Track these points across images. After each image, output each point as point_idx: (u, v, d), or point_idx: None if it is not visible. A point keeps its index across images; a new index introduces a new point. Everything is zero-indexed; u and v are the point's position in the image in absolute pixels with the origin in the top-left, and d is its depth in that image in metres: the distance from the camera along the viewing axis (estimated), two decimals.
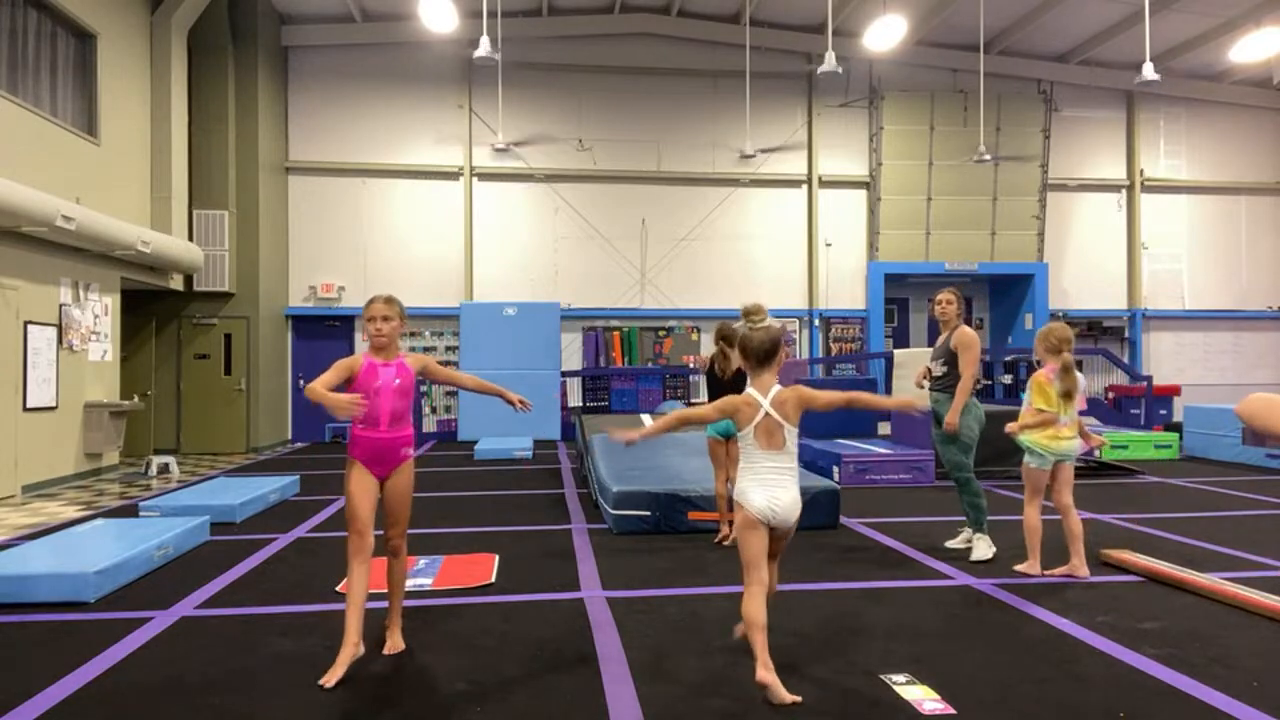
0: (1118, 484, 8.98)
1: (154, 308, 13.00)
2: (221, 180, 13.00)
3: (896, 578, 5.04)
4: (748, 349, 3.37)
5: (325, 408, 3.35)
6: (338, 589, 4.75)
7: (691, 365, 5.97)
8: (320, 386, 3.41)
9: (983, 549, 5.50)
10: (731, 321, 4.59)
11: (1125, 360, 16.17)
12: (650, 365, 15.55)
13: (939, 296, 5.80)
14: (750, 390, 3.37)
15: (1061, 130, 16.42)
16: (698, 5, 15.00)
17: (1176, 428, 12.65)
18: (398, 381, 3.65)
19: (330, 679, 3.36)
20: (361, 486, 3.62)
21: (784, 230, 15.96)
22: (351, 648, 3.46)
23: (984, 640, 3.90)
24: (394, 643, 3.78)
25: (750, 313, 3.48)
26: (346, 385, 3.62)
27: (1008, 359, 15.33)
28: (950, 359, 5.64)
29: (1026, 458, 5.09)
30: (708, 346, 15.70)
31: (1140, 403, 13.64)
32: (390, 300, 3.69)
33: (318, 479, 9.51)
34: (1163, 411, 13.84)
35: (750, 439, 3.32)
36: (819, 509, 6.44)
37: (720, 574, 5.12)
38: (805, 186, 16.01)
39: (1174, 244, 16.92)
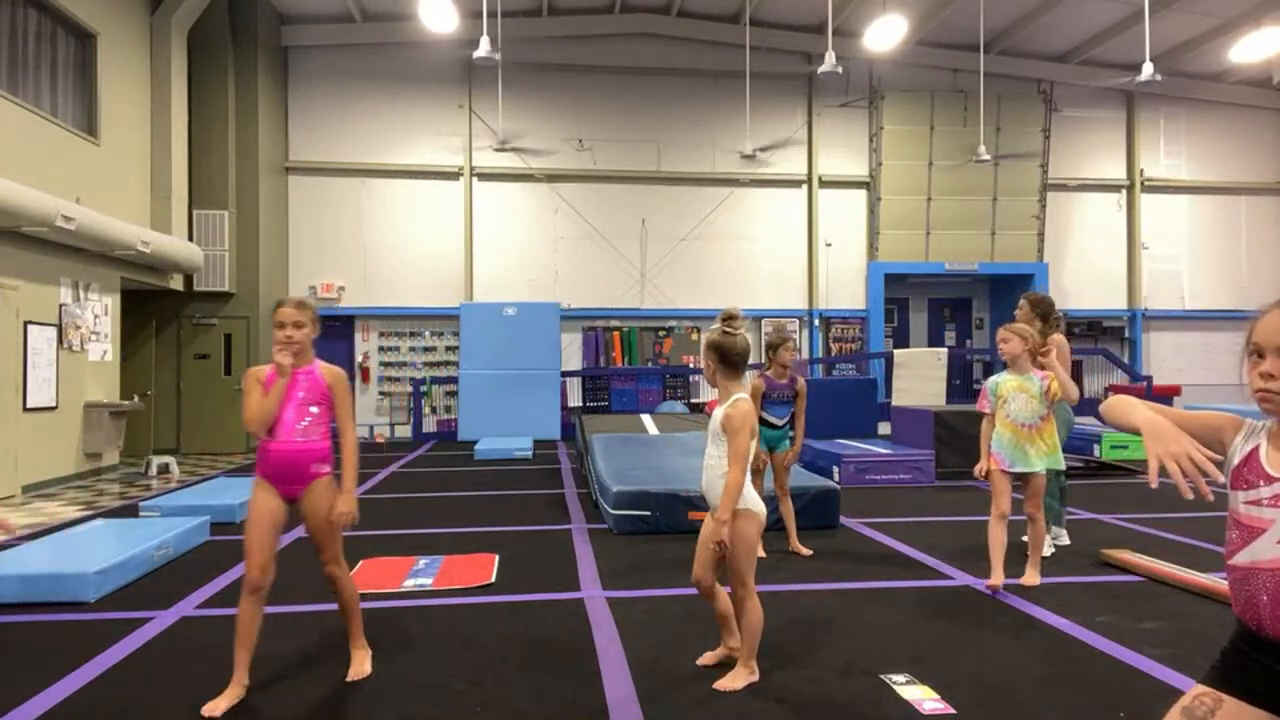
0: (1118, 484, 8.98)
1: (154, 308, 12.99)
2: (221, 180, 13.00)
3: (896, 578, 5.04)
4: (738, 352, 3.34)
5: (258, 418, 3.24)
6: None
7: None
8: (248, 414, 3.26)
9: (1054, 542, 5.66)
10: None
11: (1125, 360, 16.17)
12: (650, 365, 15.54)
13: (1022, 302, 5.75)
14: (741, 396, 3.32)
15: (1061, 130, 16.42)
16: (698, 5, 15.00)
17: None
18: (301, 393, 3.29)
19: (212, 710, 3.10)
20: (261, 508, 3.26)
21: (784, 230, 15.96)
22: (238, 688, 3.20)
23: (984, 640, 3.90)
24: (358, 668, 3.47)
25: (730, 317, 3.41)
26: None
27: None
28: None
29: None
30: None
31: None
32: (302, 304, 3.35)
33: None
34: None
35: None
36: (819, 509, 6.43)
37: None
38: (805, 186, 16.00)
39: (1174, 244, 16.92)
